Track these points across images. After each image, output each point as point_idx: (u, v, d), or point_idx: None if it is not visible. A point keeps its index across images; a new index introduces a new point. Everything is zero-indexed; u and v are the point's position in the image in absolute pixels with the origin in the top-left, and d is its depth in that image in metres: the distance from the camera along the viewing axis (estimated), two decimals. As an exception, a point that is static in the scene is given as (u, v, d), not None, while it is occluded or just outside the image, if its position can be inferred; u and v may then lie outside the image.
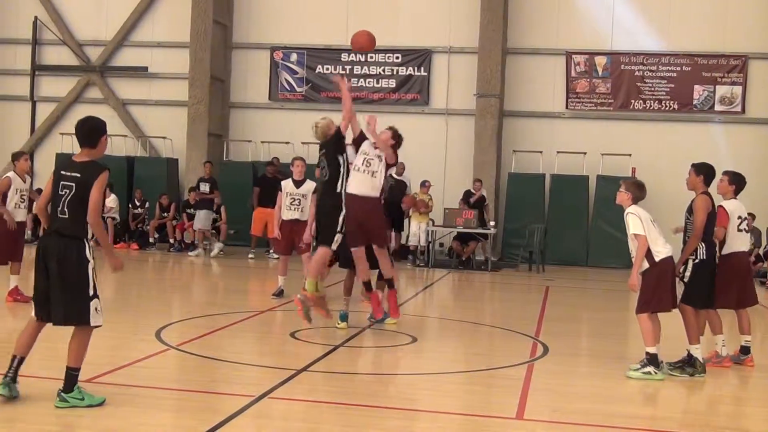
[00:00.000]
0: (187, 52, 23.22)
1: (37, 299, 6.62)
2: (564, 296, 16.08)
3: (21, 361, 6.61)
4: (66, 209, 6.46)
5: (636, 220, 8.61)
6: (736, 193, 9.49)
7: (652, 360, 8.53)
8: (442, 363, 9.41)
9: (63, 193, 6.48)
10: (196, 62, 23.03)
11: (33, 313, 6.67)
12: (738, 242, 9.33)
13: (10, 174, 11.62)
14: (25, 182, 11.70)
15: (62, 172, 6.56)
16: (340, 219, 10.10)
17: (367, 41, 10.53)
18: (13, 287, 11.61)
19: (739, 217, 9.36)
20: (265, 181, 20.21)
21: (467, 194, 20.59)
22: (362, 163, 10.14)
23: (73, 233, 6.46)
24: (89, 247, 6.54)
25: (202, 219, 20.35)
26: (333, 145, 10.34)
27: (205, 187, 20.83)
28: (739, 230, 9.35)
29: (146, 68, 24.09)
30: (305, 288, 10.24)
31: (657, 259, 8.60)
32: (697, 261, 8.86)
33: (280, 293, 12.99)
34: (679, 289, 9.04)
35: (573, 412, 7.20)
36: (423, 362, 9.47)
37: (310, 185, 12.89)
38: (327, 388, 7.87)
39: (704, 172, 9.03)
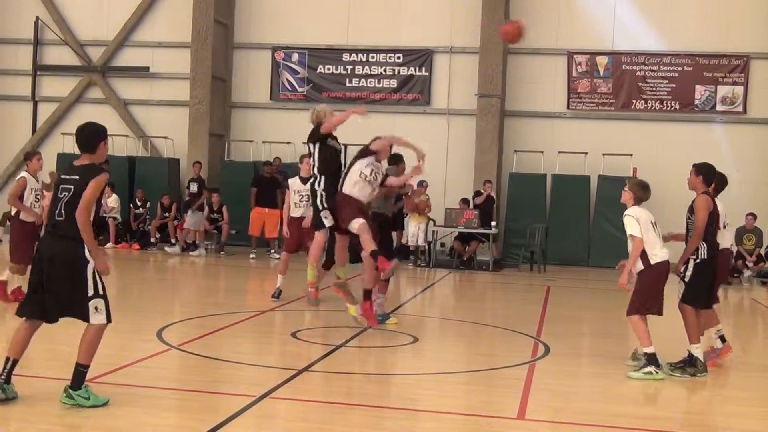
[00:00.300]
0: (188, 52, 23.24)
1: (28, 298, 6.64)
2: (565, 296, 16.08)
3: (15, 363, 6.60)
4: (62, 211, 6.50)
5: (633, 222, 8.64)
6: (717, 191, 9.47)
7: (652, 359, 8.54)
8: (443, 363, 9.42)
9: (62, 195, 6.54)
10: (197, 62, 23.05)
11: (17, 313, 6.67)
12: (724, 240, 9.43)
13: (25, 174, 11.46)
14: (38, 182, 11.67)
15: (62, 176, 6.65)
16: (318, 200, 10.54)
17: (515, 33, 10.74)
18: (16, 287, 11.58)
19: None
20: (263, 181, 20.26)
21: (476, 194, 20.55)
22: (370, 174, 10.39)
23: (69, 234, 6.49)
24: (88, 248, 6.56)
25: (189, 219, 20.55)
26: (310, 134, 10.84)
27: (193, 187, 20.90)
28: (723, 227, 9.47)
29: (147, 68, 24.12)
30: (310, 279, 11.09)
31: (652, 262, 8.63)
32: (698, 261, 8.86)
33: (278, 294, 12.94)
34: (680, 288, 9.05)
35: (574, 412, 7.20)
36: (424, 362, 9.47)
37: None
38: (328, 388, 7.88)
39: (704, 172, 9.04)
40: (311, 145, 10.83)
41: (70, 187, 6.52)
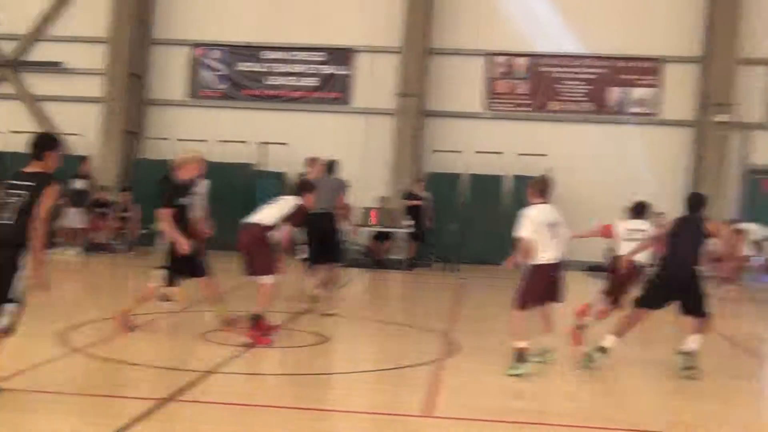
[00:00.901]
0: (104, 48, 22.76)
1: None
2: (477, 294, 16.18)
3: None
4: (14, 215, 6.56)
5: (524, 222, 8.85)
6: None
7: (520, 355, 8.63)
8: (353, 363, 9.39)
9: (12, 200, 6.58)
10: (112, 58, 22.59)
11: None
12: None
13: None
14: None
15: (12, 182, 6.72)
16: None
17: None
18: None
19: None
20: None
21: (411, 196, 20.41)
22: None
23: (13, 240, 6.54)
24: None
25: (72, 216, 19.85)
26: (162, 199, 10.64)
27: (80, 184, 20.26)
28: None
29: (60, 63, 23.54)
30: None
31: (536, 262, 8.94)
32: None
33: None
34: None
35: (483, 409, 7.24)
36: (333, 362, 9.45)
37: (203, 183, 12.75)
38: (235, 389, 7.75)
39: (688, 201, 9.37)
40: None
41: (24, 192, 6.60)
